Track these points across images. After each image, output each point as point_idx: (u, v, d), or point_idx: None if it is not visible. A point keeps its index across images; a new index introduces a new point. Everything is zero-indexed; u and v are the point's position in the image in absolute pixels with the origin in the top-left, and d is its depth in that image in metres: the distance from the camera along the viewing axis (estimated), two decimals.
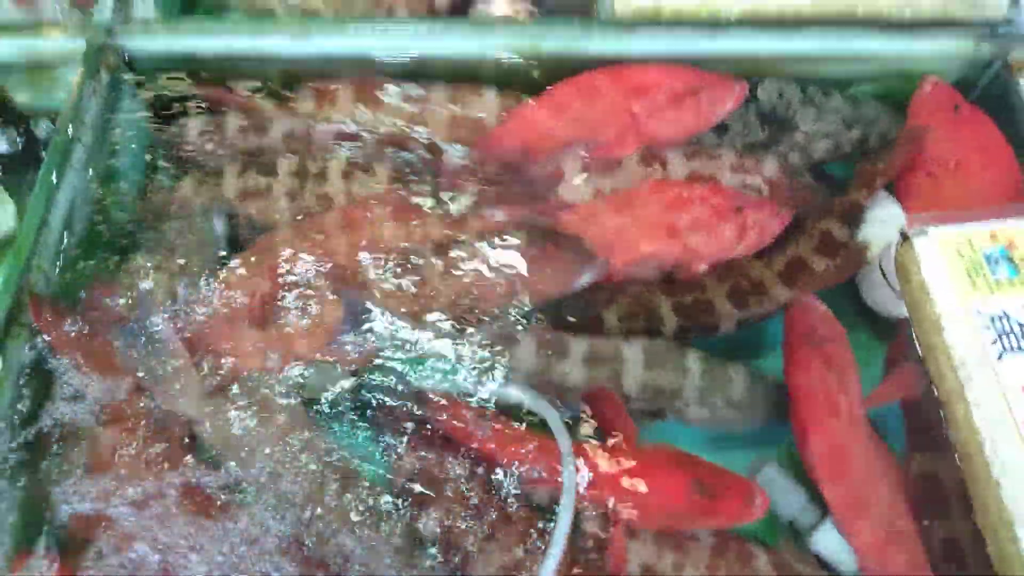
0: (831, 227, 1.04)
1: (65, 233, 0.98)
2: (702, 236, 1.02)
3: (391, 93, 1.13)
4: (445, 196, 1.07)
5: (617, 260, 1.03)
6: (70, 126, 1.00)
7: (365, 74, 1.13)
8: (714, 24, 1.08)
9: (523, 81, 1.13)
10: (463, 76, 1.14)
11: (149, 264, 1.01)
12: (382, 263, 1.03)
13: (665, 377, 0.94)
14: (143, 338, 0.93)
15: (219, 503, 0.87)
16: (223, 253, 1.04)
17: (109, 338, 0.93)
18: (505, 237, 1.02)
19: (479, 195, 1.07)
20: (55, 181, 0.97)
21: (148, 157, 1.12)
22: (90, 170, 1.03)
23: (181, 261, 1.02)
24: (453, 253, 1.03)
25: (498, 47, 1.10)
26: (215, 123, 1.12)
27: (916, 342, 0.87)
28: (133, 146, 1.11)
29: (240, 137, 1.11)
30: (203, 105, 1.14)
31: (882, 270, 1.01)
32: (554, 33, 1.08)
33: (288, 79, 1.15)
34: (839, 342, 0.95)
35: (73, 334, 0.91)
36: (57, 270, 0.96)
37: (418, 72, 1.14)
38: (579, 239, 1.03)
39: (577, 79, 1.08)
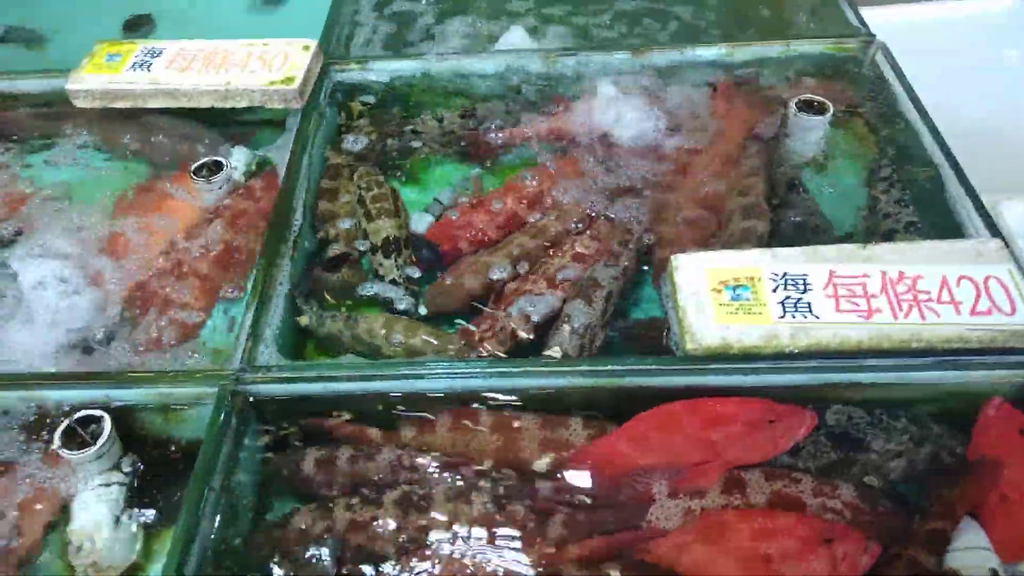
0: (917, 555, 1.07)
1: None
2: (793, 568, 1.05)
3: (485, 421, 1.24)
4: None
5: None
6: (206, 474, 1.11)
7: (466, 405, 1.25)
8: (778, 357, 1.19)
9: (602, 408, 1.24)
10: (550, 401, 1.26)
11: None
12: None
13: None
14: None
15: None
16: None
17: None
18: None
19: (572, 522, 1.14)
20: (190, 529, 1.06)
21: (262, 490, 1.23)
22: (218, 515, 1.12)
23: None
24: None
25: (581, 383, 1.22)
26: (329, 455, 1.22)
27: None
28: (250, 480, 1.22)
29: (350, 468, 1.21)
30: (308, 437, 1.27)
31: None
32: (633, 371, 1.20)
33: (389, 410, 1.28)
34: None
35: None
36: None
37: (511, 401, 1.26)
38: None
39: (659, 411, 1.18)
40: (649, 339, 1.32)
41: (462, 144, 1.72)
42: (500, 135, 1.71)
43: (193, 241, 1.52)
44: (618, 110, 1.65)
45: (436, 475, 1.19)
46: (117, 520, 1.21)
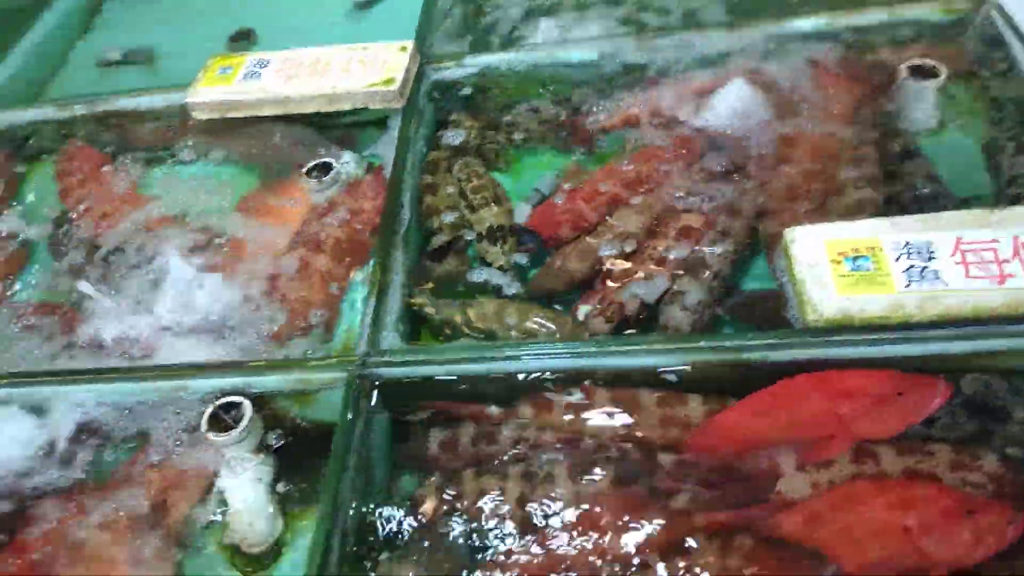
0: None
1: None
2: (935, 540, 1.02)
3: (601, 399, 1.26)
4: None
5: (847, 566, 1.04)
6: (342, 455, 1.17)
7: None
8: (905, 327, 1.16)
9: (721, 384, 1.24)
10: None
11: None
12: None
13: None
14: None
15: None
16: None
17: None
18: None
19: (697, 496, 1.14)
20: (332, 510, 1.12)
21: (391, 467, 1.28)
22: (354, 498, 1.18)
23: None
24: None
25: (699, 360, 1.22)
26: (453, 434, 1.27)
27: None
28: (381, 458, 1.28)
29: (473, 445, 1.25)
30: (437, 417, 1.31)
31: None
32: (754, 346, 1.19)
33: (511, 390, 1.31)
34: None
35: None
36: None
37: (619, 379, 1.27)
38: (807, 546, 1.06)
39: (783, 385, 1.17)
40: (763, 314, 1.31)
41: (559, 133, 1.74)
42: (597, 121, 1.72)
43: (309, 238, 1.61)
44: (719, 87, 1.64)
45: (558, 452, 1.22)
46: (262, 500, 1.29)
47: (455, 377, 1.28)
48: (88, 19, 2.62)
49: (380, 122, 1.86)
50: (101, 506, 1.30)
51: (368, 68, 1.78)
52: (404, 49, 1.81)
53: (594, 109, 1.74)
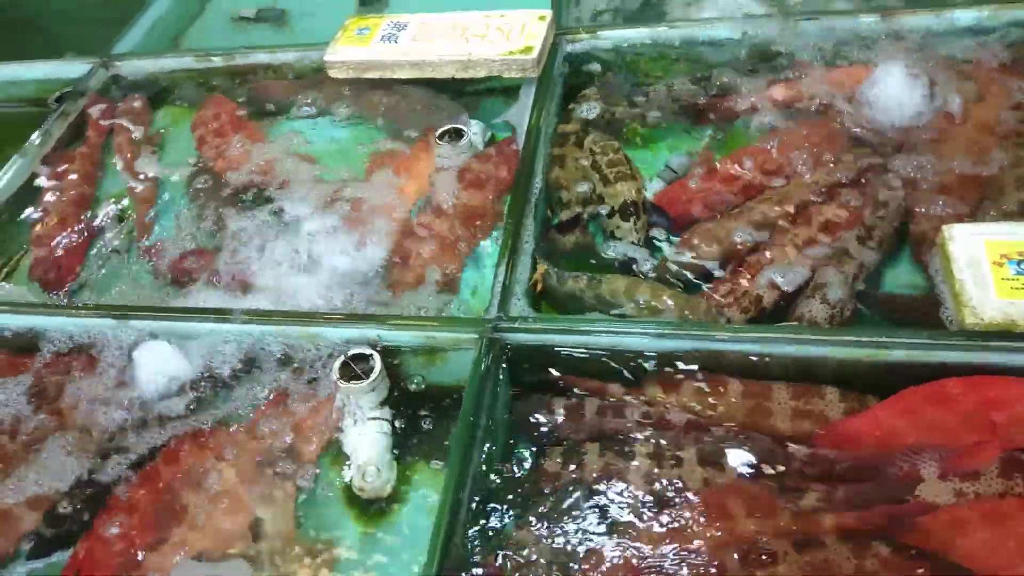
0: None
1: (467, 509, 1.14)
2: None
3: (735, 387, 1.24)
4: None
5: None
6: (472, 412, 1.19)
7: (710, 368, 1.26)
8: None
9: (863, 382, 1.20)
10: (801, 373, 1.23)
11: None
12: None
13: None
14: None
15: None
16: None
17: None
18: None
19: (831, 493, 1.11)
20: (460, 469, 1.14)
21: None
22: (483, 450, 1.20)
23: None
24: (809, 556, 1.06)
25: (840, 353, 1.18)
26: (578, 404, 1.27)
27: None
28: (502, 423, 1.29)
29: (598, 420, 1.25)
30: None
31: None
32: (903, 344, 1.15)
33: (635, 369, 1.30)
34: None
35: None
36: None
37: (758, 368, 1.25)
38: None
39: (933, 387, 1.12)
40: (912, 316, 1.26)
41: (694, 110, 1.71)
42: (736, 101, 1.68)
43: (439, 201, 1.63)
44: (868, 75, 1.57)
45: (685, 435, 1.20)
46: (383, 450, 1.32)
47: (584, 349, 1.28)
48: None
49: (505, 90, 1.87)
50: (231, 444, 1.36)
51: (506, 35, 1.78)
52: (543, 18, 1.80)
53: (732, 90, 1.70)
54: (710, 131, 1.70)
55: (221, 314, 1.42)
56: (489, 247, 1.57)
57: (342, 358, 1.37)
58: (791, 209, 1.45)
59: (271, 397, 1.39)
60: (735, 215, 1.46)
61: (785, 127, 1.60)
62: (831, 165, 1.50)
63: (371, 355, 1.36)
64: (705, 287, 1.39)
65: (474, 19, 1.85)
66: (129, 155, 1.94)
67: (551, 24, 1.80)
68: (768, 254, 1.39)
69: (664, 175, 1.61)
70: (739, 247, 1.42)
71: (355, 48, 1.88)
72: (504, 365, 1.30)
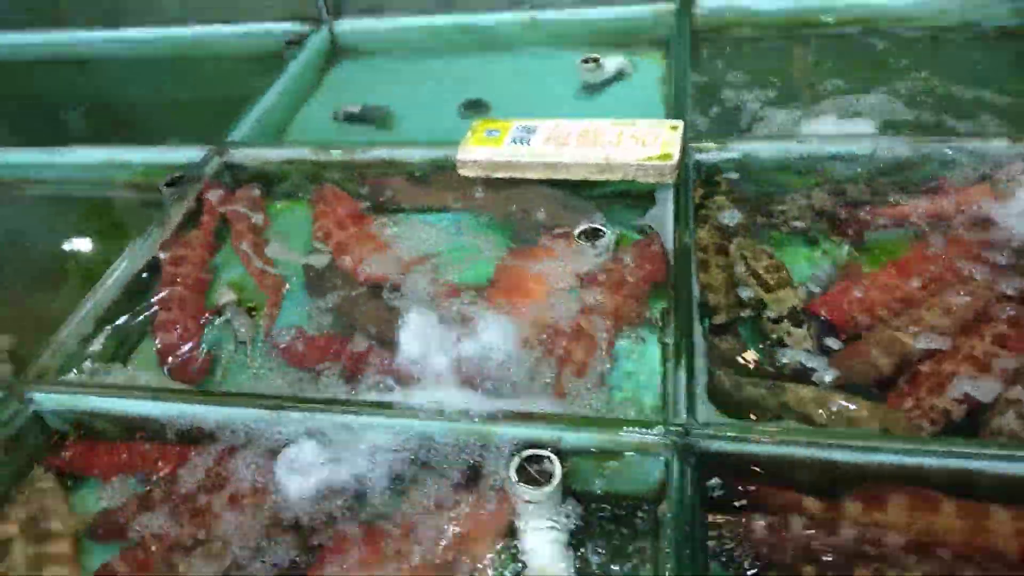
0: None
1: None
2: None
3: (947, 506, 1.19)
4: None
5: None
6: (675, 529, 1.13)
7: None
8: None
9: None
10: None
11: None
12: None
13: None
14: None
15: None
16: None
17: None
18: None
19: None
20: None
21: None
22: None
23: None
24: None
25: None
26: (780, 523, 1.21)
27: None
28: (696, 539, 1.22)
29: (805, 539, 1.19)
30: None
31: None
32: None
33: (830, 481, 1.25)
34: None
35: None
36: None
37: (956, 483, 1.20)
38: None
39: None
40: None
41: (831, 221, 1.73)
42: (875, 214, 1.71)
43: (585, 300, 1.61)
44: (1013, 195, 1.61)
45: (905, 558, 1.14)
46: (563, 560, 1.24)
47: (782, 460, 1.24)
48: (319, 77, 2.79)
49: (621, 195, 1.90)
50: (394, 546, 1.27)
51: (640, 142, 1.82)
52: (675, 128, 1.85)
53: (868, 202, 1.74)
54: (846, 243, 1.72)
55: (385, 408, 1.37)
56: (627, 347, 1.55)
57: (517, 460, 1.31)
58: (960, 321, 1.44)
59: (436, 498, 1.32)
60: (905, 325, 1.45)
61: (929, 240, 1.63)
62: (990, 277, 1.51)
63: (547, 456, 1.31)
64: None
65: (605, 126, 1.90)
66: (253, 242, 1.92)
67: (683, 133, 1.85)
68: (949, 366, 1.37)
69: (811, 283, 1.61)
70: (911, 358, 1.41)
71: (487, 148, 1.91)
72: (695, 473, 1.24)
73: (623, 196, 1.92)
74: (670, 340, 1.43)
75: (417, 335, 1.58)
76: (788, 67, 2.35)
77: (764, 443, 1.24)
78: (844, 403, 1.30)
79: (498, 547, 1.27)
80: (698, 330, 1.45)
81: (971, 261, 1.54)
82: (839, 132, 1.93)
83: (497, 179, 1.92)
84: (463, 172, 1.93)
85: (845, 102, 2.14)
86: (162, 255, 1.88)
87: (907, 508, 1.19)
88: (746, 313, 1.55)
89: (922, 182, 1.75)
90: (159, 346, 1.68)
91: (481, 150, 1.91)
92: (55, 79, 3.18)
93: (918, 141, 1.79)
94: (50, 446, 1.54)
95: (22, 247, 2.19)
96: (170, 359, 1.64)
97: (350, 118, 2.50)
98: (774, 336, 1.48)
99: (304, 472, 1.36)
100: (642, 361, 1.53)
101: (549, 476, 1.29)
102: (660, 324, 1.59)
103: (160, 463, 1.43)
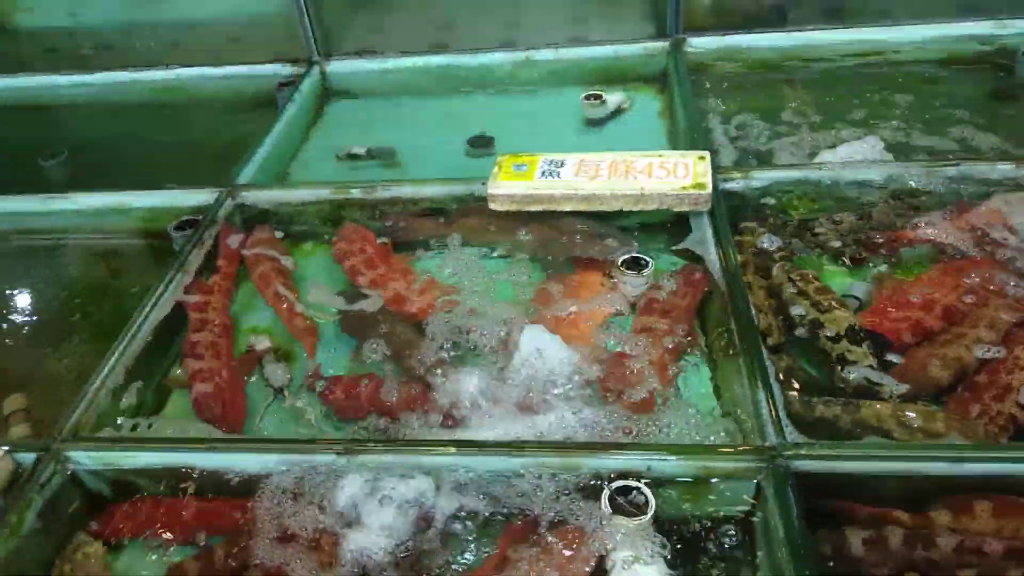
0: None
1: None
2: None
3: None
4: None
5: None
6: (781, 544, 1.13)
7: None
8: None
9: None
10: None
11: None
12: None
13: None
14: None
15: None
16: None
17: None
18: None
19: None
20: None
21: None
22: None
23: None
24: None
25: None
26: (880, 537, 1.22)
27: None
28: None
29: (907, 552, 1.20)
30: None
31: None
32: None
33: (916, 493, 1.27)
34: None
35: None
36: None
37: None
38: None
39: None
40: None
41: (864, 241, 1.79)
42: (903, 234, 1.78)
43: (639, 327, 1.62)
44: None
45: (1005, 563, 1.16)
46: None
47: (872, 476, 1.25)
48: (314, 118, 2.76)
49: (646, 226, 1.94)
50: None
51: (671, 172, 1.86)
52: (703, 158, 1.90)
53: (895, 223, 1.81)
54: (874, 264, 1.78)
55: (466, 445, 1.33)
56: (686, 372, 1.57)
57: (607, 490, 1.28)
58: (1005, 333, 1.51)
59: (521, 533, 1.28)
60: (954, 338, 1.51)
61: (955, 257, 1.71)
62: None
63: (637, 486, 1.29)
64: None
65: (634, 158, 1.93)
66: (282, 285, 1.86)
67: (710, 163, 1.90)
68: (1002, 377, 1.42)
69: (849, 302, 1.66)
70: (967, 369, 1.46)
71: (517, 183, 1.91)
72: (792, 496, 1.24)
73: (647, 226, 1.96)
74: (741, 363, 1.44)
75: (471, 376, 1.56)
76: (784, 100, 2.45)
77: (857, 460, 1.25)
78: (922, 415, 1.33)
79: None
80: (763, 353, 1.47)
81: (1003, 272, 1.62)
82: (853, 158, 2.01)
83: (525, 212, 1.93)
84: (494, 206, 1.93)
85: (846, 132, 2.25)
86: (186, 300, 1.80)
87: (994, 515, 1.22)
88: (800, 332, 1.58)
89: (942, 202, 1.84)
90: (196, 394, 1.59)
91: (513, 184, 1.91)
92: (23, 125, 3.04)
93: (930, 166, 1.89)
94: (88, 509, 1.44)
95: (21, 300, 2.06)
96: (208, 408, 1.56)
97: (357, 156, 2.47)
98: (834, 355, 1.51)
99: (378, 515, 1.31)
100: (701, 386, 1.54)
101: (639, 506, 1.27)
102: (711, 348, 1.61)
103: (221, 519, 1.35)
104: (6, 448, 1.42)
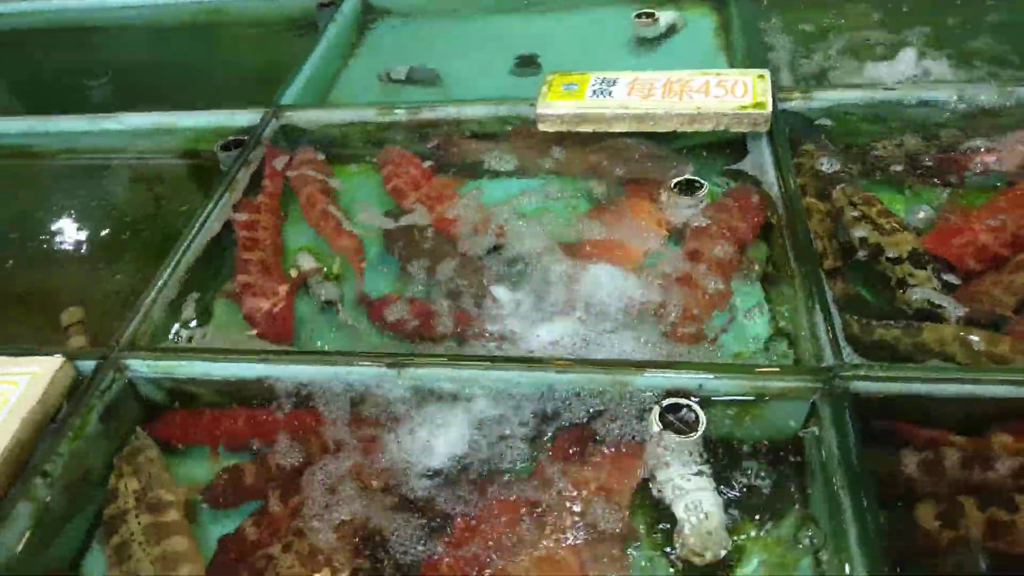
0: None
1: None
2: None
3: None
4: None
5: None
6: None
7: None
8: None
9: None
10: None
11: None
12: None
13: None
14: None
15: None
16: None
17: None
18: None
19: None
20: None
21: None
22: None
23: None
24: None
25: None
26: (935, 459, 1.19)
27: None
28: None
29: (962, 471, 1.18)
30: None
31: None
32: None
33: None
34: None
35: None
36: None
37: None
38: None
39: None
40: None
41: (929, 165, 1.71)
42: (969, 157, 1.70)
43: (696, 250, 1.58)
44: None
45: None
46: (716, 506, 1.21)
47: (931, 399, 1.22)
48: (356, 39, 2.70)
49: (708, 146, 1.87)
50: (535, 498, 1.24)
51: (730, 91, 1.78)
52: (762, 77, 1.82)
53: (960, 147, 1.72)
54: (941, 188, 1.71)
55: (523, 361, 1.33)
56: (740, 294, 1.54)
57: (657, 408, 1.28)
58: None
59: (577, 448, 1.29)
60: (1019, 265, 1.45)
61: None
62: None
63: (688, 404, 1.28)
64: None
65: (691, 76, 1.85)
66: (329, 205, 1.85)
67: (770, 82, 1.82)
68: None
69: (913, 225, 1.60)
70: None
71: (568, 102, 1.86)
72: (853, 414, 1.22)
73: (701, 147, 1.90)
74: (798, 286, 1.40)
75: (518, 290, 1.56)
76: (847, 16, 2.32)
77: (919, 382, 1.22)
78: (987, 338, 1.29)
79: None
80: (820, 276, 1.42)
81: None
82: (920, 76, 1.91)
83: (574, 133, 1.88)
84: (543, 127, 1.88)
85: (910, 49, 2.13)
86: (236, 218, 1.81)
87: None
88: (861, 255, 1.53)
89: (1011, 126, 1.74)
90: (248, 308, 1.61)
91: (562, 104, 1.86)
92: (68, 48, 3.04)
93: (1003, 85, 1.78)
94: (146, 416, 1.48)
95: (73, 218, 2.10)
96: (261, 320, 1.58)
97: (398, 80, 2.43)
98: (895, 278, 1.46)
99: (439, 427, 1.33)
100: (757, 308, 1.51)
101: (689, 424, 1.27)
102: (765, 271, 1.57)
103: (276, 428, 1.38)
104: (63, 357, 1.45)
